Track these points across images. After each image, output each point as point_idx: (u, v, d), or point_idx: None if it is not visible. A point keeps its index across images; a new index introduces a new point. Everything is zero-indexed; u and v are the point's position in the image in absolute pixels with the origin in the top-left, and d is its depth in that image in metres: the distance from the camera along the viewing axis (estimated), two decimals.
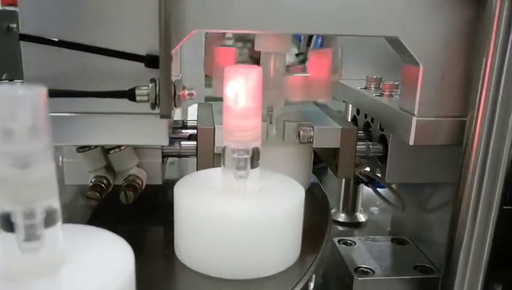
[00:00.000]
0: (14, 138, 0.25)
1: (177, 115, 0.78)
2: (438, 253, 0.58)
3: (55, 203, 0.28)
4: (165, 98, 0.37)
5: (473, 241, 0.46)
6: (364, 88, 0.60)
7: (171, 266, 0.41)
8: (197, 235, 0.39)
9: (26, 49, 0.39)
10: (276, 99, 0.56)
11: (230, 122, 0.39)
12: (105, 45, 0.40)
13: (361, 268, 0.60)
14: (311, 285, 0.42)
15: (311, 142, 0.51)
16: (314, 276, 0.43)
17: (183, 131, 0.56)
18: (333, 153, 0.55)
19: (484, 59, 0.42)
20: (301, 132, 0.51)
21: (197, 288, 0.38)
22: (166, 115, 0.38)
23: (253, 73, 0.38)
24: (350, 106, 0.66)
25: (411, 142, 0.45)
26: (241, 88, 0.38)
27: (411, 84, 0.45)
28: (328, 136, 0.51)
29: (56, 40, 0.39)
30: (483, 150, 0.43)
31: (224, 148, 0.40)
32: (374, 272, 0.59)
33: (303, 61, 1.00)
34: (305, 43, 1.01)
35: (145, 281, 0.38)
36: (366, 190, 0.82)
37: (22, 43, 0.39)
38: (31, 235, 0.27)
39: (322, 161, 1.04)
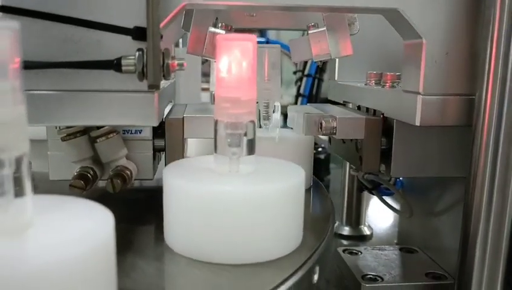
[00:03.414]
0: None
1: None
2: (450, 260, 0.55)
3: (26, 154, 0.25)
4: (153, 66, 0.35)
5: (489, 235, 0.42)
6: (365, 84, 0.58)
7: (159, 252, 0.37)
8: (186, 217, 0.36)
9: None
10: (272, 93, 0.53)
11: (223, 94, 0.36)
12: (90, 17, 0.38)
13: (369, 276, 0.55)
14: (315, 277, 0.38)
15: (334, 134, 0.49)
16: (318, 268, 0.39)
17: None
18: (356, 147, 0.52)
19: (490, 32, 0.40)
20: (323, 123, 0.49)
21: (188, 274, 0.35)
22: (154, 85, 0.35)
23: (248, 41, 0.36)
24: (350, 107, 0.64)
25: (417, 123, 0.43)
26: (235, 56, 0.35)
27: (414, 61, 0.43)
28: (351, 126, 0.49)
29: (39, 11, 0.37)
30: (495, 130, 0.41)
31: (216, 124, 0.37)
32: (382, 279, 0.55)
33: (300, 79, 0.99)
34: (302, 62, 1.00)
35: (134, 269, 0.34)
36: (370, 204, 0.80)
37: (2, 15, 0.37)
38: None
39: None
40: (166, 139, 0.46)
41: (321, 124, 0.49)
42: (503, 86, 0.40)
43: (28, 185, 0.25)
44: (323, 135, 0.49)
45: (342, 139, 0.57)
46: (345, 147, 0.56)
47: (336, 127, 0.49)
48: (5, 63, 0.24)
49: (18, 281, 0.21)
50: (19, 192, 0.25)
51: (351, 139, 0.53)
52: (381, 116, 0.51)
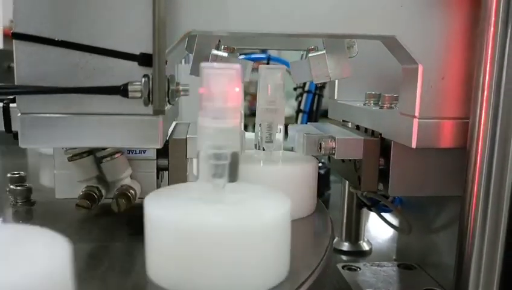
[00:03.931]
0: (215, 98, 0.34)
1: None
2: (447, 277, 0.55)
3: (238, 152, 0.35)
4: (159, 92, 0.36)
5: (484, 252, 0.43)
6: (364, 104, 0.59)
7: (141, 284, 0.36)
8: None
9: (19, 48, 0.39)
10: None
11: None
12: (98, 44, 0.39)
13: None
14: None
15: (333, 154, 0.50)
16: None
17: None
18: (354, 166, 0.54)
19: (483, 58, 0.41)
20: (323, 144, 0.50)
21: None
22: (159, 111, 0.37)
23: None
24: (350, 126, 0.65)
25: (413, 145, 0.44)
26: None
27: (411, 85, 0.45)
28: (350, 147, 0.50)
29: (49, 38, 0.38)
30: (489, 152, 0.42)
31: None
32: None
33: (301, 95, 1.01)
34: None
35: None
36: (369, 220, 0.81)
37: (14, 42, 0.39)
38: (219, 174, 0.35)
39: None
40: (170, 159, 0.48)
41: (320, 144, 0.50)
42: (496, 111, 0.41)
43: (237, 172, 0.35)
44: (322, 155, 0.51)
45: (341, 159, 0.58)
46: (344, 166, 0.58)
47: (335, 148, 0.50)
48: (230, 90, 0.34)
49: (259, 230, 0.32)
50: (232, 177, 0.35)
51: (350, 159, 0.55)
52: (379, 136, 0.52)
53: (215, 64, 0.38)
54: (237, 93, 0.37)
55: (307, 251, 0.41)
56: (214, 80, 0.36)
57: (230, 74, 0.36)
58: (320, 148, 0.50)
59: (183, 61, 0.83)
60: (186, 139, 0.48)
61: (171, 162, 0.48)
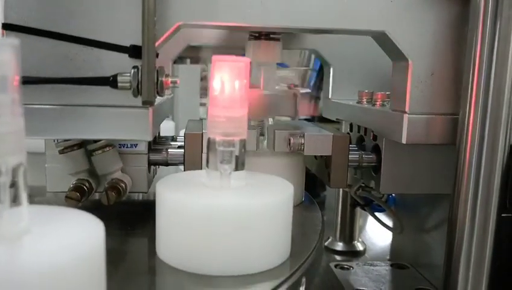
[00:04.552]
0: (224, 88, 0.29)
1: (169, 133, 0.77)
2: (440, 276, 0.55)
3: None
4: (147, 83, 0.36)
5: (473, 249, 0.43)
6: (357, 103, 0.60)
7: (152, 265, 0.38)
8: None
9: None
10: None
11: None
12: (89, 35, 0.39)
13: None
14: (302, 289, 0.39)
15: (302, 151, 0.50)
16: (304, 280, 0.40)
17: (172, 143, 0.55)
18: (325, 163, 0.53)
19: (472, 55, 0.41)
20: (292, 140, 0.50)
21: (178, 286, 0.36)
22: (148, 101, 0.37)
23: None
24: (343, 125, 0.65)
25: (403, 141, 0.44)
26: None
27: (401, 81, 0.45)
28: (319, 143, 0.50)
29: (41, 30, 0.39)
30: (478, 148, 0.42)
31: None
32: None
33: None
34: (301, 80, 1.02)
35: (127, 281, 0.35)
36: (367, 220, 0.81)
37: (5, 32, 0.39)
38: (227, 160, 0.33)
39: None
40: (186, 154, 0.47)
41: (289, 140, 0.50)
42: (485, 107, 0.41)
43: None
44: (291, 151, 0.50)
45: (315, 156, 0.58)
46: (317, 163, 0.57)
47: (303, 144, 0.50)
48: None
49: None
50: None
51: (321, 156, 0.55)
52: (372, 135, 0.53)
53: (225, 56, 0.39)
54: (245, 84, 0.38)
55: (296, 248, 0.41)
56: (224, 70, 0.37)
57: (239, 66, 0.38)
58: (290, 144, 0.50)
59: (188, 61, 0.83)
60: (202, 134, 0.48)
61: (186, 157, 0.48)
